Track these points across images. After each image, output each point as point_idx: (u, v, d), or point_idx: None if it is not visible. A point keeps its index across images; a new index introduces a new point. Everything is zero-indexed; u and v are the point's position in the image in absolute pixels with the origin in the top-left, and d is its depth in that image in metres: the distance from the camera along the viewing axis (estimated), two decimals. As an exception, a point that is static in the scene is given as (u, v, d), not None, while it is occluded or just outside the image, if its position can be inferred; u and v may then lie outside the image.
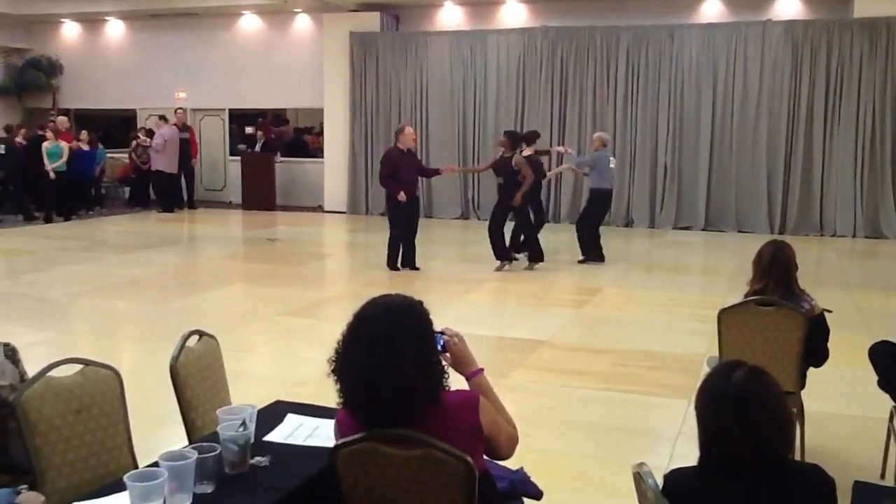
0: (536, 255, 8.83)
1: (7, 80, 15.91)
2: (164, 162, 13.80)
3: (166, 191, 14.05)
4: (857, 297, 7.49)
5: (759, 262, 3.70)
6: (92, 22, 15.88)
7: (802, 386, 3.68)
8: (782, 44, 11.76)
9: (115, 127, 16.13)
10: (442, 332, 2.16)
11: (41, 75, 15.83)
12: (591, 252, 9.04)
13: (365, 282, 8.14)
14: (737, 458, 1.75)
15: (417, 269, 8.71)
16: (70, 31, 16.23)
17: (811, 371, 3.76)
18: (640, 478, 1.85)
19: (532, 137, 9.10)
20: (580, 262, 9.01)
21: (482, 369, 2.25)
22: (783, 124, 11.80)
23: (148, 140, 14.17)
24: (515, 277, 8.71)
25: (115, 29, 15.92)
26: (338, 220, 13.43)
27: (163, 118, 14.22)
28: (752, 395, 1.76)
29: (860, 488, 2.07)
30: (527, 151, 8.82)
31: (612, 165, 9.14)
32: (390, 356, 1.91)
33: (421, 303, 2.06)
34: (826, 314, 3.69)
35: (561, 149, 10.22)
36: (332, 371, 2.01)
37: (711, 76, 12.08)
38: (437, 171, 9.52)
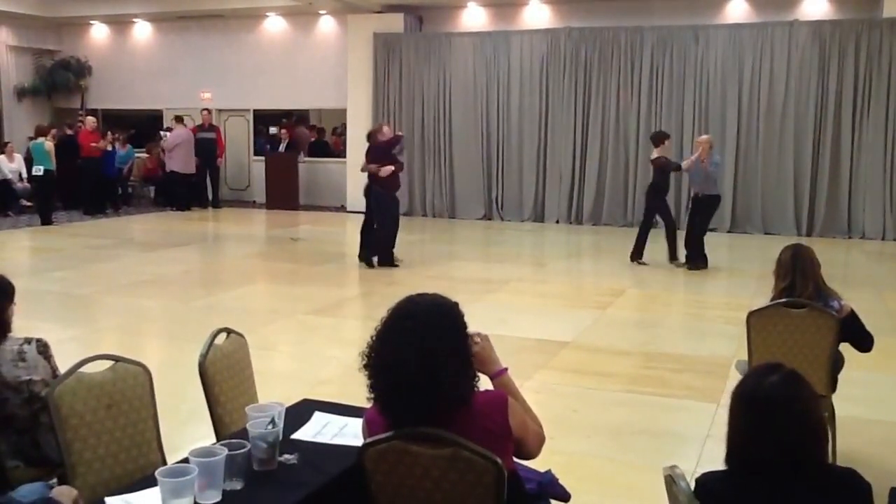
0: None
1: (37, 80, 16.15)
2: (177, 163, 13.91)
3: (180, 191, 14.16)
4: (887, 301, 7.37)
5: (780, 264, 3.69)
6: (120, 24, 16.09)
7: (833, 389, 3.63)
8: (809, 44, 11.58)
9: (142, 127, 16.32)
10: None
11: (70, 76, 16.05)
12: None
13: (387, 281, 8.15)
14: (764, 463, 1.72)
15: (397, 264, 8.87)
16: (99, 32, 16.45)
17: (842, 375, 3.71)
18: (671, 480, 1.82)
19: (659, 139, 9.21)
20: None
21: (506, 369, 2.24)
22: (810, 126, 11.62)
23: (162, 141, 14.29)
24: (539, 279, 8.67)
25: (142, 30, 16.12)
26: (360, 220, 13.42)
27: (178, 119, 14.34)
28: (781, 401, 1.73)
29: (897, 495, 2.03)
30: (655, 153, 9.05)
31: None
32: (427, 356, 1.91)
33: (457, 304, 2.06)
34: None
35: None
36: (364, 366, 2.01)
37: (737, 77, 11.92)
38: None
